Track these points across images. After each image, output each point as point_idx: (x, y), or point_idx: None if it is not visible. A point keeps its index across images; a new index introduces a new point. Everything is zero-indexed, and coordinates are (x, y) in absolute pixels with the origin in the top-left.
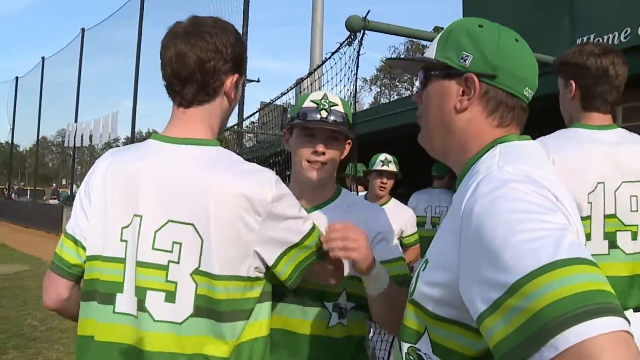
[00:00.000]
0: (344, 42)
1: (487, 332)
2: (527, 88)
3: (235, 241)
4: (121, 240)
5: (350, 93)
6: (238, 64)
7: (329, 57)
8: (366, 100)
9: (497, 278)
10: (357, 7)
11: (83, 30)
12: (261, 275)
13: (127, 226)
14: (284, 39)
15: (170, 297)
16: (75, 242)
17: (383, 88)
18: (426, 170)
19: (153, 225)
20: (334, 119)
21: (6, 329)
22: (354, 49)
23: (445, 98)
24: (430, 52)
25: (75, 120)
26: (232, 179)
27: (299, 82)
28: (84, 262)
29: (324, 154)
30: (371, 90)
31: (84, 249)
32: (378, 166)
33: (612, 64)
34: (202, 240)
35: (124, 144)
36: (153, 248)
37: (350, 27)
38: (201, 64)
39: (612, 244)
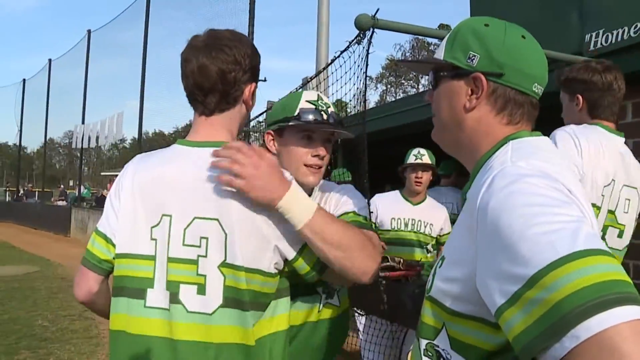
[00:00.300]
0: (353, 40)
1: (507, 324)
2: (536, 84)
3: (256, 235)
4: (151, 239)
5: (360, 91)
6: (255, 73)
7: (338, 56)
8: (372, 98)
9: (516, 271)
10: (363, 6)
11: (89, 31)
12: (279, 270)
13: (156, 225)
14: (290, 38)
15: (201, 289)
16: (106, 239)
17: (389, 86)
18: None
19: (182, 223)
20: (333, 121)
21: (17, 330)
22: (363, 47)
23: (455, 98)
24: (439, 52)
25: (82, 122)
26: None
27: (307, 81)
28: (113, 258)
29: (324, 157)
30: (377, 88)
31: (114, 246)
32: (411, 160)
33: (615, 79)
34: (226, 234)
35: (131, 144)
36: (183, 244)
37: (360, 25)
38: (223, 75)
39: (602, 237)
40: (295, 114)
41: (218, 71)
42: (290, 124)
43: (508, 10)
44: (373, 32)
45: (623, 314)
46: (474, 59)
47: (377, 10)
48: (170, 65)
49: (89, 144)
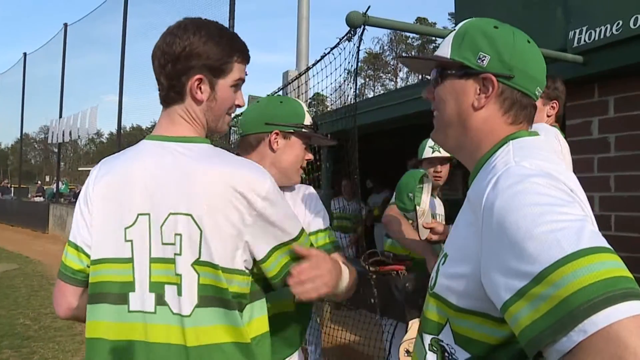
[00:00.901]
0: (343, 37)
1: (513, 318)
2: (538, 88)
3: (230, 231)
4: (126, 240)
5: (350, 88)
6: (205, 64)
7: (328, 52)
8: (350, 91)
9: (523, 268)
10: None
11: (66, 25)
12: (249, 270)
13: (130, 226)
14: (271, 31)
15: (179, 290)
16: (77, 248)
17: (367, 79)
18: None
19: (159, 221)
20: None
21: None
22: (354, 44)
23: (462, 96)
24: (444, 51)
25: (60, 116)
26: (225, 169)
27: (297, 77)
28: (87, 266)
29: None
30: (350, 81)
31: (86, 254)
32: (428, 154)
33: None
34: (201, 231)
35: (108, 139)
36: (162, 243)
37: (351, 22)
38: (160, 66)
39: None
40: (306, 122)
41: (158, 63)
42: (304, 131)
43: (493, 5)
44: (364, 29)
45: (628, 309)
46: (484, 59)
47: (369, 7)
48: (148, 60)
49: (63, 138)
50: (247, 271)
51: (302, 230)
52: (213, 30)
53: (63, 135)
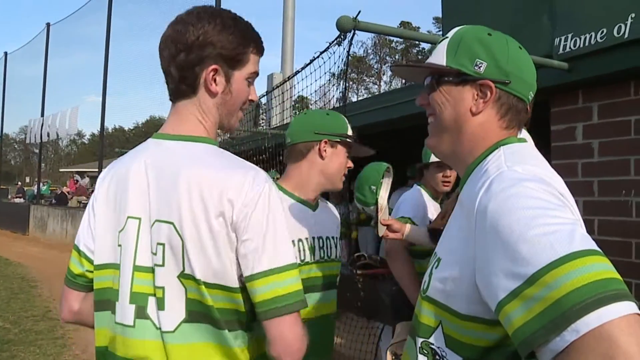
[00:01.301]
0: (333, 41)
1: (507, 318)
2: (531, 92)
3: (215, 244)
4: (117, 245)
5: (340, 92)
6: (219, 54)
7: (318, 56)
8: (330, 94)
9: (517, 269)
10: (326, 2)
11: (48, 25)
12: (242, 286)
13: (122, 229)
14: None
15: (161, 303)
16: (79, 252)
17: (351, 83)
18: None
19: (147, 227)
20: None
21: None
22: (344, 49)
23: (460, 102)
24: (438, 58)
25: (42, 116)
26: (215, 172)
27: (285, 80)
28: (87, 271)
29: None
30: (339, 84)
31: (88, 259)
32: (436, 157)
33: None
34: (182, 241)
35: (90, 140)
36: (151, 251)
37: (341, 27)
38: (171, 57)
39: None
40: (349, 133)
41: (169, 53)
42: (348, 140)
43: (481, 11)
44: (354, 33)
45: (619, 310)
46: (481, 66)
47: (359, 12)
48: (131, 60)
49: (41, 138)
50: (237, 287)
51: (293, 264)
52: (227, 19)
53: (41, 135)
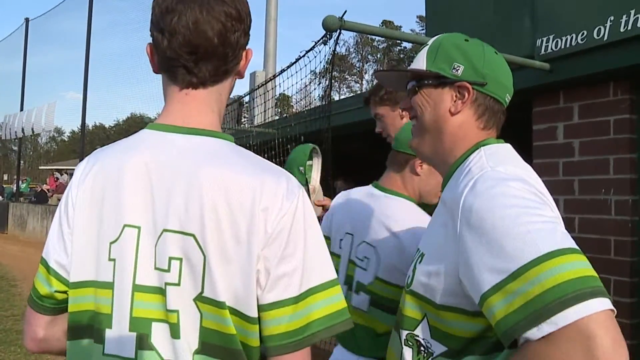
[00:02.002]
0: (319, 40)
1: (489, 310)
2: (507, 94)
3: (242, 259)
4: (109, 259)
5: (324, 90)
6: (249, 35)
7: (303, 55)
8: (315, 93)
9: (500, 265)
10: (309, 1)
11: (27, 20)
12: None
13: (115, 240)
14: None
15: (175, 330)
16: (47, 268)
17: (332, 81)
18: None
19: (152, 238)
20: None
21: None
22: (330, 47)
23: (439, 103)
24: (419, 64)
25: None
26: (242, 176)
27: (270, 79)
28: (56, 292)
29: None
30: (320, 83)
31: (58, 276)
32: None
33: None
34: (204, 256)
35: (70, 137)
36: (155, 267)
37: (327, 26)
38: (224, 36)
39: None
40: None
41: (222, 29)
42: None
43: (464, 12)
44: (340, 33)
45: (596, 306)
46: (458, 69)
47: (345, 12)
48: (112, 57)
49: (16, 134)
50: (255, 317)
51: (335, 281)
52: None
53: (15, 131)
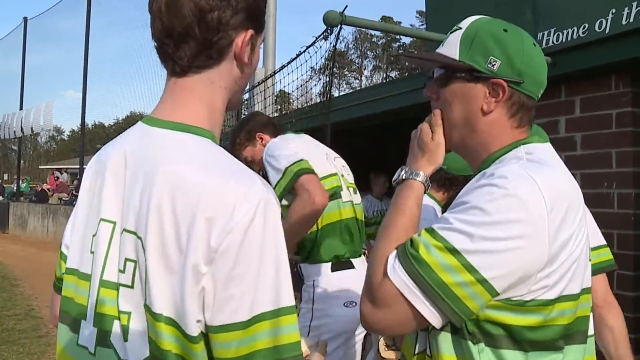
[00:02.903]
0: (319, 36)
1: None
2: (541, 90)
3: (181, 272)
4: (90, 251)
5: (325, 85)
6: (253, 15)
7: (304, 51)
8: (315, 90)
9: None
10: None
11: (26, 19)
12: (203, 334)
13: (95, 234)
14: None
15: (125, 332)
16: (60, 252)
17: (331, 77)
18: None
19: (118, 235)
20: None
21: None
22: (331, 43)
23: (471, 100)
24: (451, 51)
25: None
26: (194, 175)
27: (270, 75)
28: (63, 274)
29: None
30: (320, 79)
31: (65, 260)
32: None
33: None
34: (146, 262)
35: (69, 136)
36: (117, 266)
37: (328, 22)
38: (200, 14)
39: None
40: None
41: (194, 8)
42: None
43: (464, 6)
44: (341, 28)
45: None
46: (494, 64)
47: (346, 7)
48: (111, 56)
49: (15, 134)
50: (196, 335)
51: (290, 309)
52: None
53: (14, 130)
